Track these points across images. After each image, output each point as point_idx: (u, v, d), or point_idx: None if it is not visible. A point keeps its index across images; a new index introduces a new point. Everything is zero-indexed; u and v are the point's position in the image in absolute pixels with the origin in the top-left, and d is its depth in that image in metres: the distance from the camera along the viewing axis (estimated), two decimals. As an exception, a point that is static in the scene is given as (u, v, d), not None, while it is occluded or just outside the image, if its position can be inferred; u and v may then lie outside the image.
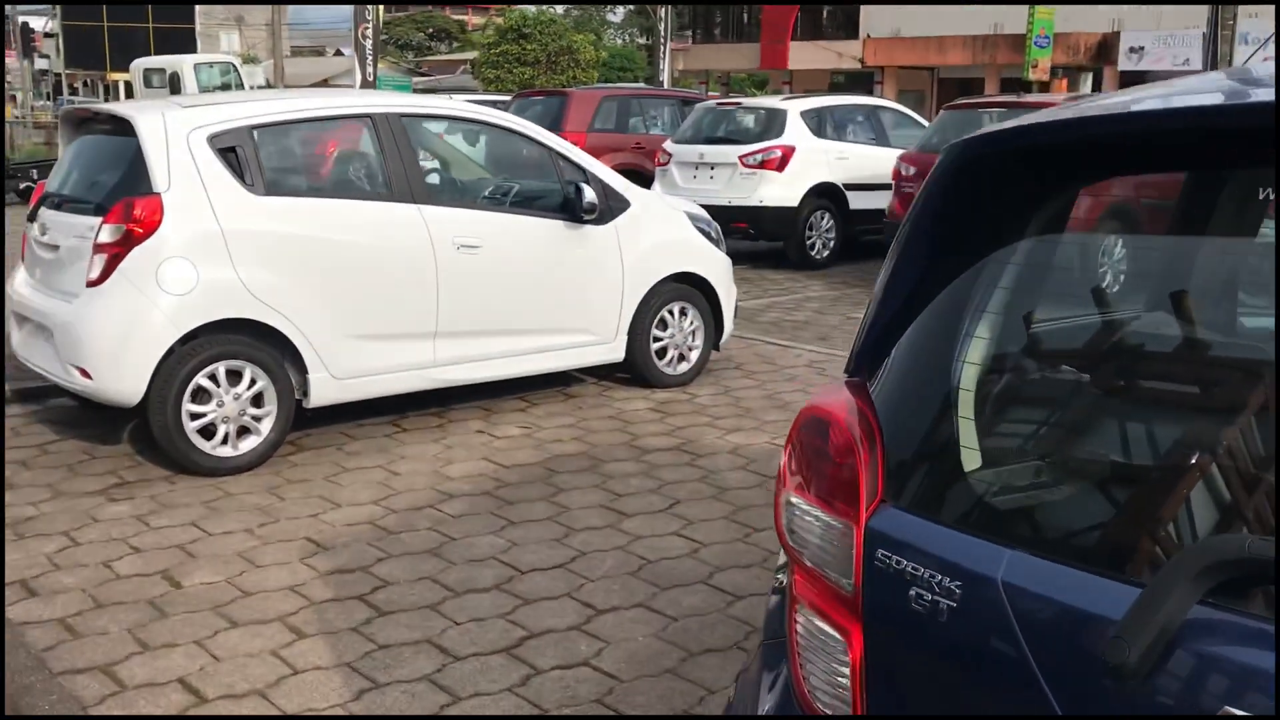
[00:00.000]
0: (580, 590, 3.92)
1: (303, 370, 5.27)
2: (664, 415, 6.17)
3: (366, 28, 22.86)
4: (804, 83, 35.69)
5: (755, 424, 5.99)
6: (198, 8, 42.70)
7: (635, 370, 6.61)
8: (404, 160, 5.53)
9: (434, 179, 5.99)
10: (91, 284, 4.87)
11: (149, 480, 5.00)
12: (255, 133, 5.16)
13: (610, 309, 6.31)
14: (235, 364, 5.05)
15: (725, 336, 6.97)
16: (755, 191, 11.60)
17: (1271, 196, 1.53)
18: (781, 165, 11.65)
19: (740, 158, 11.74)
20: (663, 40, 28.05)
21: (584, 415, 6.12)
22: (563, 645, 3.52)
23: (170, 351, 4.87)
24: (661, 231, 6.52)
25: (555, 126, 14.27)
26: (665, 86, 24.21)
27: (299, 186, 5.50)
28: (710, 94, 22.64)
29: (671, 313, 6.62)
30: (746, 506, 4.74)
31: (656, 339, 6.58)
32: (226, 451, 5.04)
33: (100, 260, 4.84)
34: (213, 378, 4.99)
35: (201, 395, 4.97)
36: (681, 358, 6.75)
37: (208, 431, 4.99)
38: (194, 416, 4.95)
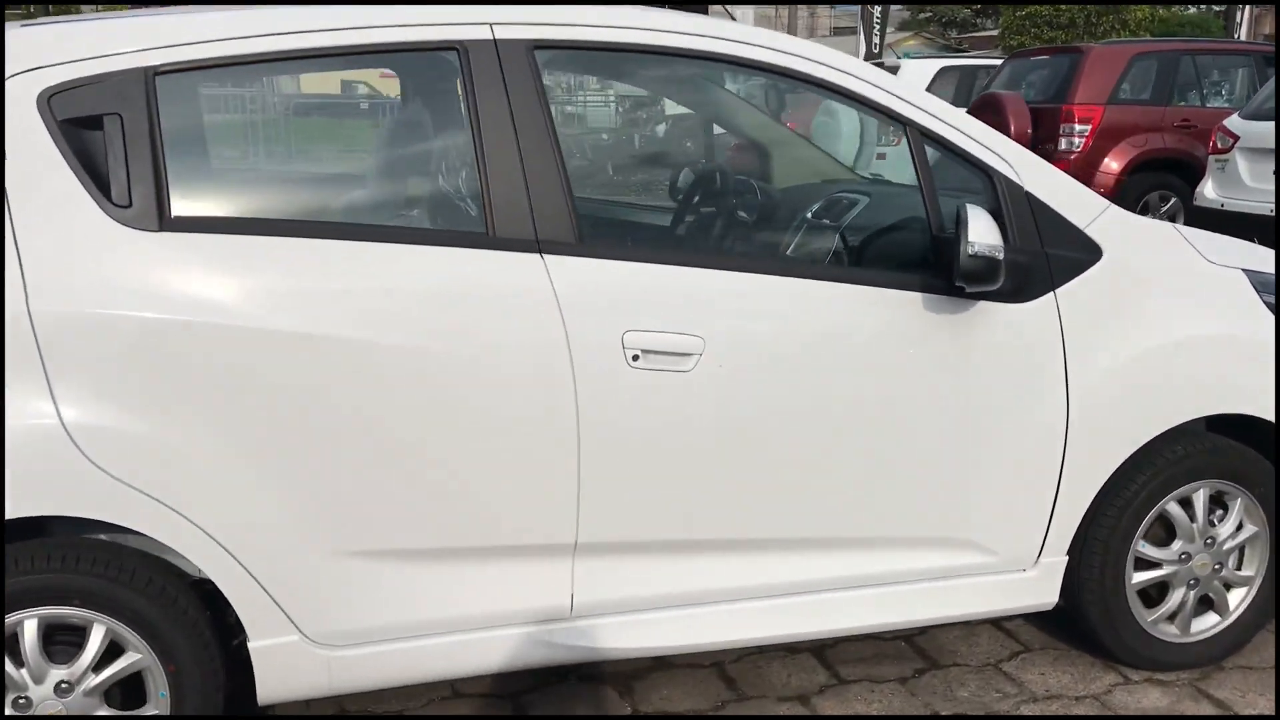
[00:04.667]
0: None
1: (229, 636, 2.33)
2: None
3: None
4: None
5: None
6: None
7: (1088, 626, 2.95)
8: (530, 148, 2.35)
9: (592, 195, 2.72)
10: None
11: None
12: (156, 83, 2.23)
13: (1026, 496, 2.72)
14: (68, 615, 2.20)
15: (1322, 555, 3.07)
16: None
17: None
18: None
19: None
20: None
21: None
22: None
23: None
24: (1177, 318, 2.77)
25: (1061, 96, 10.22)
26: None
27: (248, 207, 2.50)
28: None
29: (1189, 507, 2.88)
30: None
31: (1146, 563, 2.87)
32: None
33: None
34: (16, 654, 2.19)
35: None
36: (1206, 601, 2.98)
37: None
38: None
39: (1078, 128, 9.97)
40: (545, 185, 2.37)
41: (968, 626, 3.17)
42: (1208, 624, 2.99)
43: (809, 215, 3.03)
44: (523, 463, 2.36)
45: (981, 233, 2.41)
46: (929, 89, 12.88)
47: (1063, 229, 2.69)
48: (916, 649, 3.09)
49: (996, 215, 2.62)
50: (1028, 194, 2.66)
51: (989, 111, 10.50)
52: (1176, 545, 2.89)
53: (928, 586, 2.75)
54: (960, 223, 2.44)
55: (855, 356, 2.53)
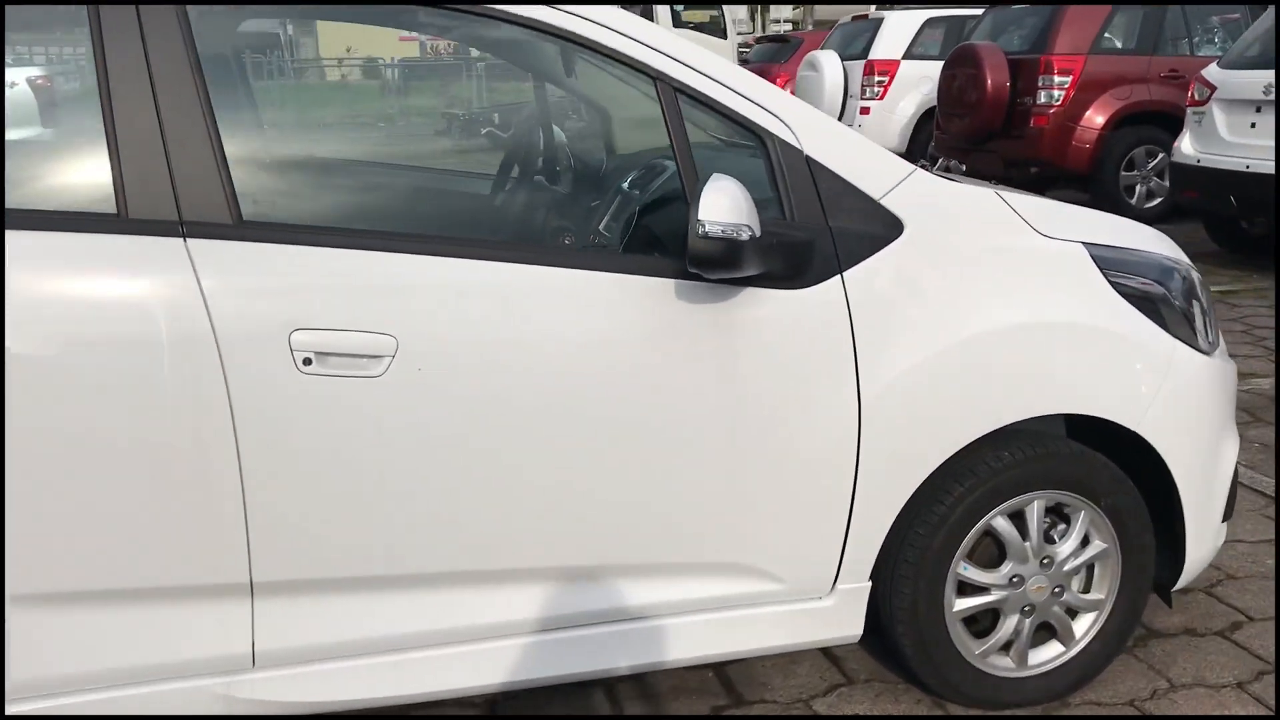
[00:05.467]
0: None
1: None
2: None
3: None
4: None
5: None
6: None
7: (903, 660, 2.55)
8: (174, 113, 1.96)
9: (253, 168, 2.30)
10: None
11: None
12: None
13: (814, 515, 2.32)
14: None
15: (1192, 572, 2.64)
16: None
17: None
18: None
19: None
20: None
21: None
22: None
23: None
24: (997, 304, 2.34)
25: (1041, 47, 9.66)
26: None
27: None
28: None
29: (1021, 522, 2.46)
30: None
31: (971, 588, 2.47)
32: None
33: None
34: None
35: None
36: (1048, 629, 2.57)
37: None
38: None
39: (1057, 79, 9.43)
40: (192, 157, 1.97)
41: (790, 654, 2.78)
42: (1049, 655, 2.58)
43: (557, 191, 2.62)
44: (171, 488, 1.98)
45: (715, 210, 1.99)
46: (915, 42, 12.34)
47: (852, 199, 2.26)
48: (724, 681, 2.70)
49: (772, 185, 2.22)
50: (808, 159, 2.24)
51: (965, 65, 9.97)
52: (1006, 567, 2.48)
53: (708, 619, 2.35)
54: (693, 197, 2.02)
55: (594, 357, 2.12)
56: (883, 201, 2.28)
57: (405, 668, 2.21)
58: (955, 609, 2.47)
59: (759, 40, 18.51)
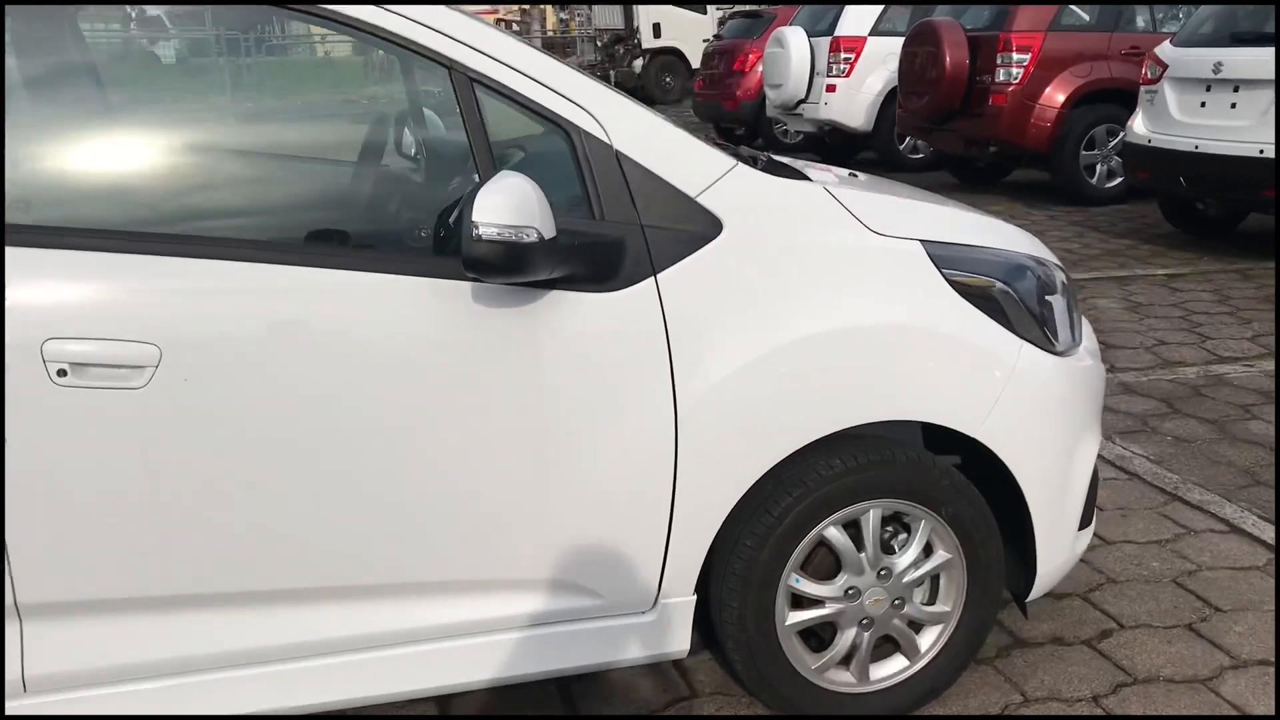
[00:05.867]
0: None
1: None
2: None
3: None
4: None
5: None
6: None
7: (736, 673, 2.45)
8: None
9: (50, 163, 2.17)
10: None
11: None
12: None
13: (632, 527, 2.21)
14: None
15: (1046, 583, 2.54)
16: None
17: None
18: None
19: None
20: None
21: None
22: None
23: None
24: (824, 306, 2.22)
25: (999, 23, 9.50)
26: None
27: None
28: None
29: (857, 532, 2.36)
30: None
31: (806, 601, 2.36)
32: None
33: None
34: None
35: None
36: (892, 642, 2.47)
37: None
38: None
39: (1015, 57, 9.27)
40: None
41: (643, 668, 2.67)
42: (892, 669, 2.48)
43: (404, 184, 2.48)
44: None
45: (493, 211, 1.86)
46: (881, 18, 12.16)
47: (667, 197, 2.14)
48: (566, 696, 2.60)
49: (580, 182, 2.10)
50: (618, 154, 2.12)
51: (925, 42, 9.82)
52: (841, 579, 2.37)
53: (526, 636, 2.24)
54: (468, 198, 1.90)
55: (381, 365, 2.00)
56: (700, 199, 2.16)
57: (191, 690, 2.10)
58: (788, 622, 2.36)
59: (732, 16, 18.29)
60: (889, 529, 2.40)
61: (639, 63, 22.45)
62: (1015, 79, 9.27)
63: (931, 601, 2.47)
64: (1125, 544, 3.29)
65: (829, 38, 12.26)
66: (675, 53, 23.53)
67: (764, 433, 2.20)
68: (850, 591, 2.37)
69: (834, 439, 2.29)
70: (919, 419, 2.29)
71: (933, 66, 9.66)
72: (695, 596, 2.30)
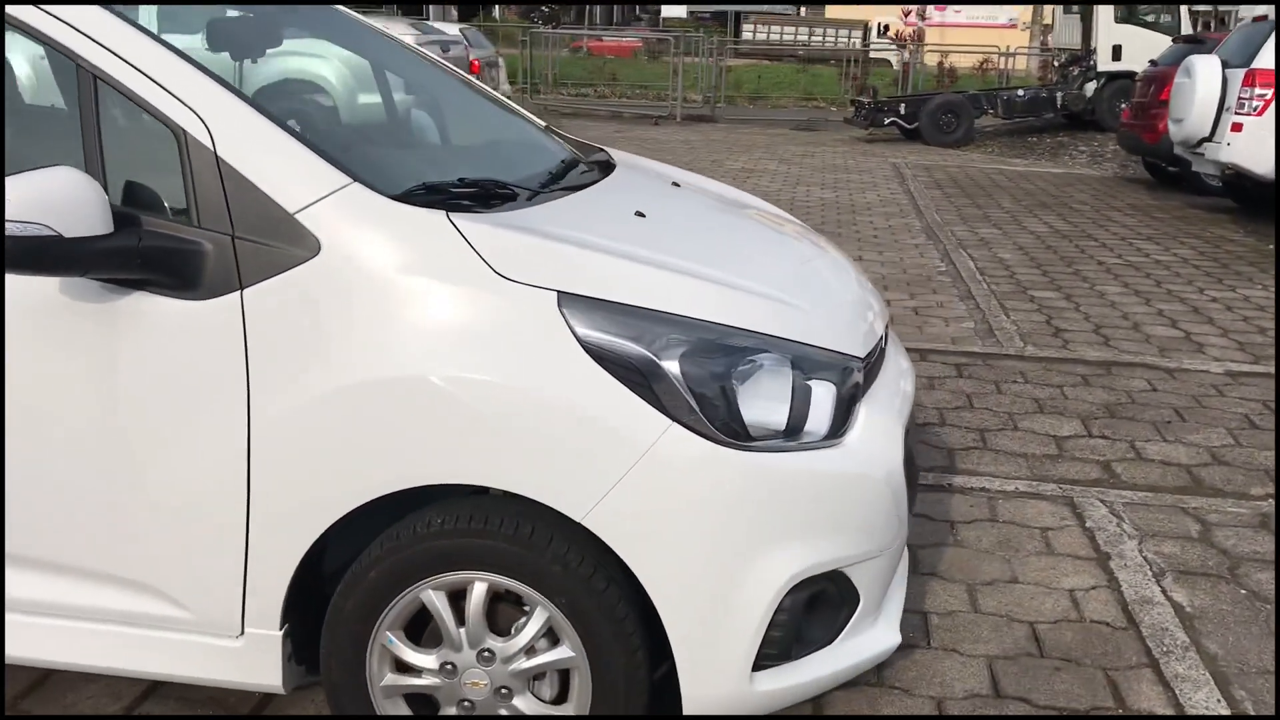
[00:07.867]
0: None
1: None
2: None
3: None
4: None
5: None
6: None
7: (332, 712, 2.28)
8: None
9: None
10: None
11: None
12: None
13: (205, 548, 2.14)
14: None
15: (701, 708, 2.11)
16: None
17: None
18: None
19: None
20: None
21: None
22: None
23: None
24: (413, 350, 1.99)
25: None
26: None
27: None
28: None
29: (459, 603, 2.12)
30: None
31: (404, 679, 2.16)
32: None
33: None
34: None
35: None
36: (515, 734, 2.20)
37: None
38: None
39: None
40: None
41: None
42: (508, 766, 2.20)
43: None
44: None
45: (14, 203, 1.87)
46: None
47: (263, 210, 2.04)
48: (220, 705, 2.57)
49: (184, 185, 2.07)
50: (219, 160, 2.05)
51: None
52: (440, 652, 2.14)
53: (116, 631, 2.24)
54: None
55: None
56: (299, 216, 2.04)
57: None
58: (384, 682, 2.18)
59: (1175, 40, 16.38)
60: (521, 610, 2.12)
61: (1091, 86, 20.72)
62: None
63: (560, 700, 2.16)
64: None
65: (1244, 69, 10.65)
66: (1134, 78, 21.45)
67: (335, 478, 2.05)
68: (447, 667, 2.14)
69: (448, 494, 2.07)
70: (504, 488, 2.01)
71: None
72: (282, 633, 2.18)
